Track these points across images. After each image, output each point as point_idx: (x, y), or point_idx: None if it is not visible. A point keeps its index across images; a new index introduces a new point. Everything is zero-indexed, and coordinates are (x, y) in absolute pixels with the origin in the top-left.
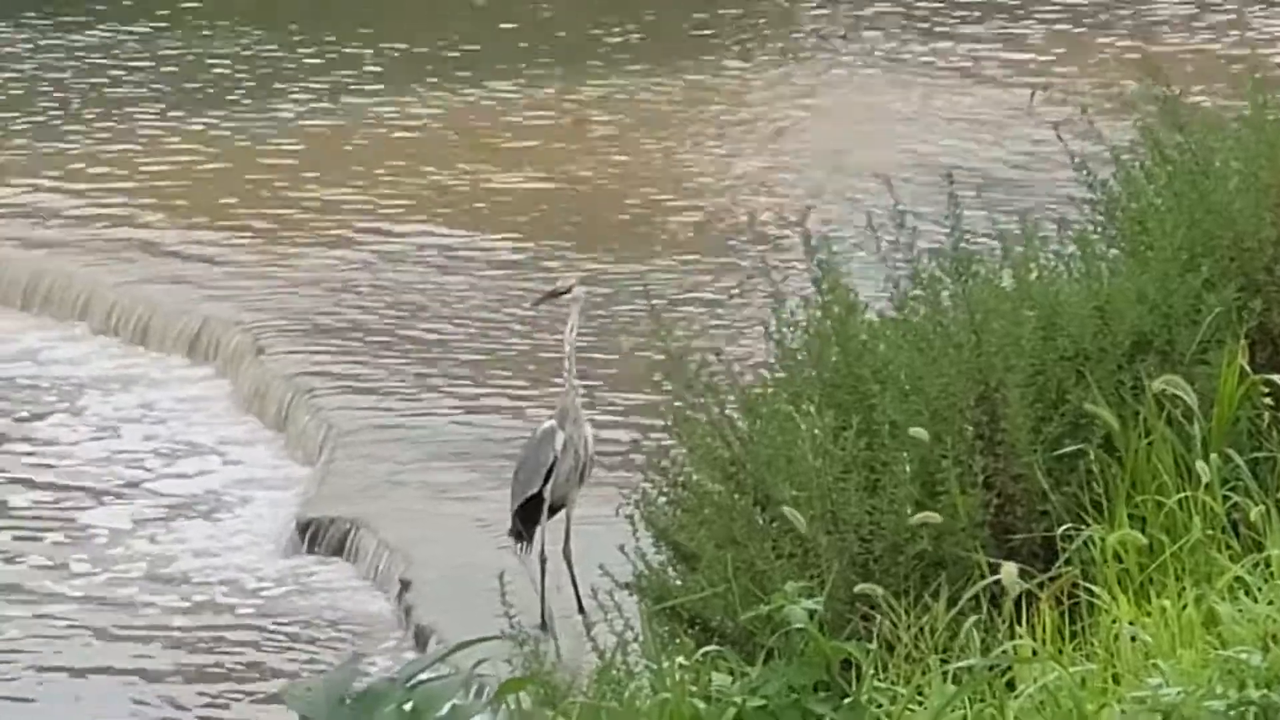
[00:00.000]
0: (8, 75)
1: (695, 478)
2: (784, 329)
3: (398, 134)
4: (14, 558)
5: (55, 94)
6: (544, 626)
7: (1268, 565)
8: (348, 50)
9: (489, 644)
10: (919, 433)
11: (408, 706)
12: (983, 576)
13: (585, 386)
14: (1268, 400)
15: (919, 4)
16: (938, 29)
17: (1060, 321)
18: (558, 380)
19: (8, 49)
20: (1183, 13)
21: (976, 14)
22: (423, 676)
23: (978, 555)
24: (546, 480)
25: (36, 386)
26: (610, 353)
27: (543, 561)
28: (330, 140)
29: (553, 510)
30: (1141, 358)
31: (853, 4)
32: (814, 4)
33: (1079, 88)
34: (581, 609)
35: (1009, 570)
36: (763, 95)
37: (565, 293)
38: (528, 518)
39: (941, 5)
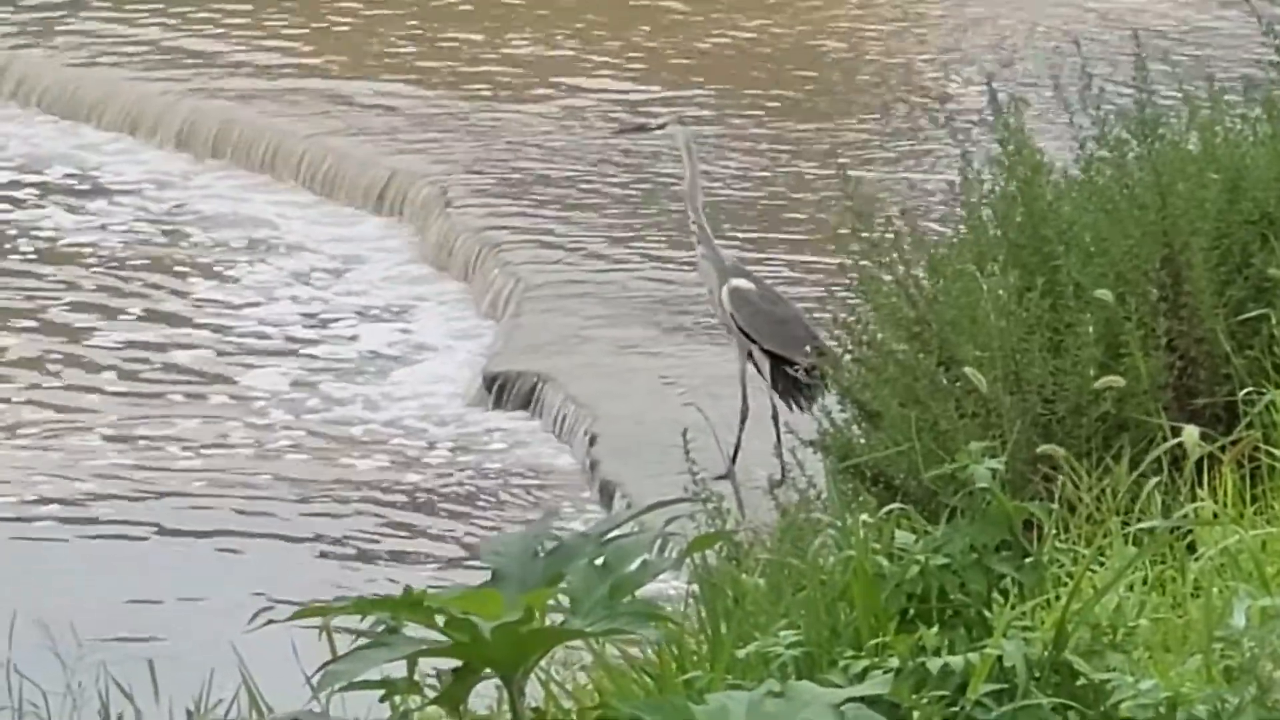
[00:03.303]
0: None
1: (880, 337)
2: (970, 189)
3: None
4: (186, 407)
5: None
6: (726, 478)
7: None
8: None
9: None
10: (1104, 294)
11: (599, 561)
12: (1164, 439)
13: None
14: None
15: None
16: None
17: (1245, 185)
18: (739, 234)
19: None
20: None
21: None
22: (615, 533)
23: (1160, 418)
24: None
25: (224, 235)
26: (796, 210)
27: (743, 416)
28: None
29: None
30: None
31: None
32: None
33: None
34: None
35: (1191, 433)
36: None
37: (658, 128)
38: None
39: None
